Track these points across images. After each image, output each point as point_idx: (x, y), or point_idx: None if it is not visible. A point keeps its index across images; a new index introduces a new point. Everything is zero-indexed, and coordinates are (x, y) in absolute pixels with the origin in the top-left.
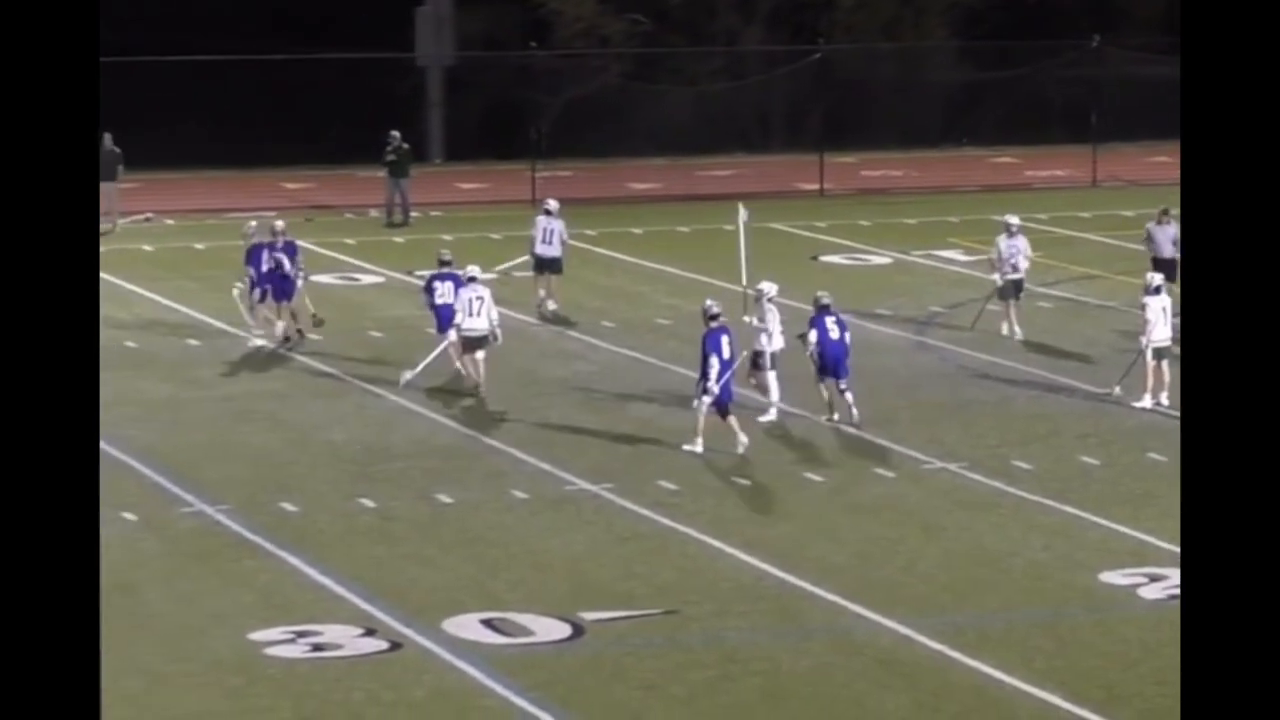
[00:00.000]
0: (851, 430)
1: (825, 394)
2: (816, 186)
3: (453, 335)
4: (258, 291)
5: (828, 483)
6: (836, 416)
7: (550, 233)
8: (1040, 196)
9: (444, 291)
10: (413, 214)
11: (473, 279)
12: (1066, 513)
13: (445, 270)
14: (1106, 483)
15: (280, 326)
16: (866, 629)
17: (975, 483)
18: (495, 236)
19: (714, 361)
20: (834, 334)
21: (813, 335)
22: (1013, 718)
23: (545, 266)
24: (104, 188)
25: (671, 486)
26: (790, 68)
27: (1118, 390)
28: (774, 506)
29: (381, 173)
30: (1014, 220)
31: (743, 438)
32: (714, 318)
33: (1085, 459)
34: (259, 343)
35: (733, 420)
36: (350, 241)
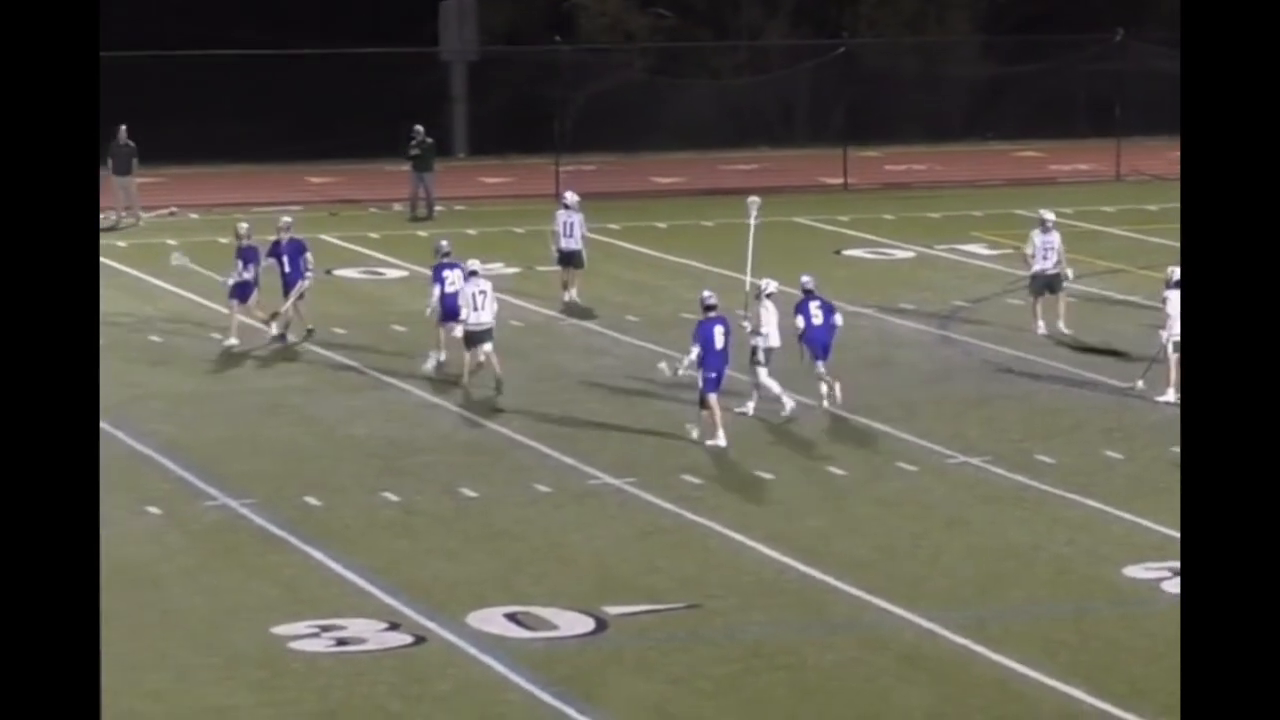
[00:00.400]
0: (837, 413)
1: (824, 387)
2: (840, 181)
3: (458, 332)
4: (255, 293)
5: (850, 477)
6: (840, 398)
7: (570, 226)
8: (1064, 191)
9: (454, 279)
10: (436, 208)
11: (474, 273)
12: (1090, 507)
13: (450, 259)
14: (1130, 477)
15: (231, 336)
16: (890, 623)
17: (999, 477)
18: (518, 230)
19: (694, 350)
20: (817, 319)
21: (798, 320)
22: (1036, 712)
23: (567, 260)
24: (121, 182)
25: (695, 480)
26: (814, 62)
27: (1140, 384)
28: (797, 500)
29: (405, 167)
30: (1049, 215)
31: (695, 433)
32: (710, 308)
33: (1109, 453)
34: (273, 332)
35: (710, 407)
36: (374, 236)
